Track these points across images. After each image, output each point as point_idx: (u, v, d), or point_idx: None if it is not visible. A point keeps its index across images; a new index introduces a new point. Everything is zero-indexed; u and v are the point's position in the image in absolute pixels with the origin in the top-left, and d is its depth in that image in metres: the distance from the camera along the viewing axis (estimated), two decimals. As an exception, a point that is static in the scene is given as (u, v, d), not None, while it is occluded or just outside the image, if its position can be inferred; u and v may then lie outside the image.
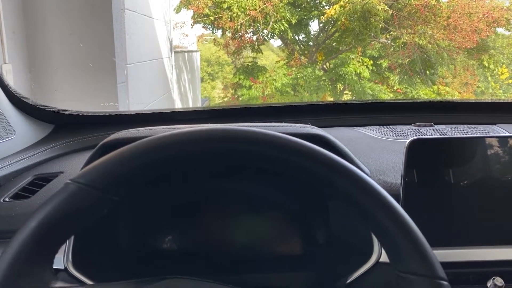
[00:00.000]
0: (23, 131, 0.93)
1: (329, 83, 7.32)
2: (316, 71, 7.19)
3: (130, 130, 0.73)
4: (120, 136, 0.70)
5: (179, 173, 0.71)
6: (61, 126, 1.05)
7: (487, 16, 6.24)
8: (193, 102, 6.47)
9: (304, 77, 7.11)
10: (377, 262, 0.65)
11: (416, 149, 0.67)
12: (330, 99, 7.49)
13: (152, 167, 0.45)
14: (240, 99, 7.31)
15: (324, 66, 7.53)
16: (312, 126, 0.75)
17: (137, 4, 3.21)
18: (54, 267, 0.53)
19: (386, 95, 7.06)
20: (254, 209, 0.76)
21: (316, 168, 0.45)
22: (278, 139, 0.45)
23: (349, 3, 6.12)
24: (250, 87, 7.17)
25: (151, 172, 0.45)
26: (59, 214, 0.43)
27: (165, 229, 0.76)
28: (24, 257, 0.42)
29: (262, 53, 7.55)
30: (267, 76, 7.28)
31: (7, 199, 0.74)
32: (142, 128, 0.72)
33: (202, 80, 9.05)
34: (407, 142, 0.67)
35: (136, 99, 2.92)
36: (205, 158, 0.46)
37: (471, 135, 0.85)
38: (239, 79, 7.29)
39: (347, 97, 7.54)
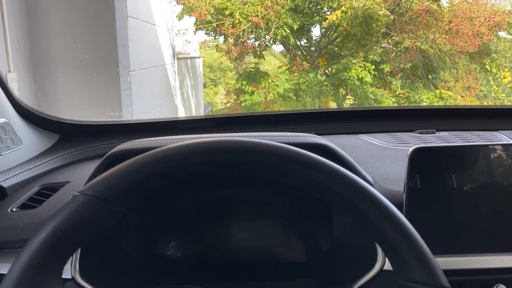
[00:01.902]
0: (30, 141, 0.94)
1: (331, 88, 7.33)
2: (318, 76, 7.20)
3: (136, 141, 0.73)
4: (126, 147, 0.71)
5: (184, 182, 0.72)
6: (66, 135, 1.05)
7: (488, 20, 6.24)
8: (196, 108, 6.49)
9: (306, 82, 7.12)
10: (381, 270, 0.65)
11: (419, 158, 0.68)
12: (332, 104, 7.50)
13: (158, 178, 0.46)
14: (243, 104, 7.32)
15: (326, 71, 7.55)
16: (315, 136, 0.76)
17: (140, 12, 3.23)
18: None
19: (388, 100, 7.06)
20: (259, 216, 0.76)
21: (319, 178, 0.46)
22: (281, 150, 0.46)
23: (350, 9, 6.14)
24: (252, 93, 7.19)
25: (157, 183, 0.46)
26: (68, 225, 0.44)
27: (171, 237, 0.76)
28: (34, 267, 0.43)
29: (264, 59, 7.57)
30: (269, 81, 7.30)
31: (14, 209, 0.75)
32: (148, 139, 0.73)
33: (204, 86, 9.07)
34: (409, 151, 0.67)
35: (139, 106, 2.94)
36: (212, 168, 0.47)
37: (473, 143, 0.85)
38: (242, 84, 7.31)
39: (349, 101, 7.54)
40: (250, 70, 7.50)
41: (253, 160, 0.46)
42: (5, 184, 0.81)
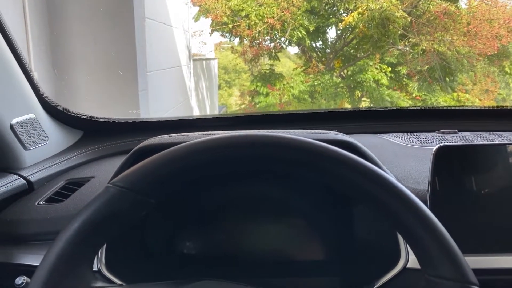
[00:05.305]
0: (56, 137, 0.96)
1: (347, 90, 7.29)
2: (334, 78, 7.17)
3: (162, 136, 0.75)
4: (153, 142, 0.72)
5: (207, 177, 0.73)
6: (90, 132, 1.08)
7: (508, 22, 6.15)
8: (211, 109, 6.53)
9: (321, 84, 7.10)
10: (405, 268, 0.65)
11: (443, 156, 0.67)
12: (348, 106, 7.45)
13: (190, 171, 0.47)
14: (257, 106, 7.32)
15: (342, 73, 7.51)
16: (339, 133, 0.76)
17: (157, 13, 3.27)
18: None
19: (404, 102, 6.99)
20: (281, 214, 0.77)
21: (347, 173, 0.47)
22: (312, 145, 0.47)
23: (367, 10, 6.10)
24: (267, 94, 7.19)
25: (188, 176, 0.47)
26: (101, 215, 0.45)
27: (193, 233, 0.77)
28: (67, 258, 0.43)
29: (279, 61, 7.57)
30: (284, 83, 7.29)
31: (41, 203, 0.77)
32: (175, 135, 0.74)
33: (219, 87, 9.11)
34: (434, 149, 0.67)
35: (156, 107, 2.97)
36: (243, 162, 0.47)
37: (498, 142, 0.84)
38: (256, 86, 7.31)
39: (365, 104, 7.49)
40: (265, 72, 7.50)
41: (285, 155, 0.47)
42: (32, 178, 0.83)
